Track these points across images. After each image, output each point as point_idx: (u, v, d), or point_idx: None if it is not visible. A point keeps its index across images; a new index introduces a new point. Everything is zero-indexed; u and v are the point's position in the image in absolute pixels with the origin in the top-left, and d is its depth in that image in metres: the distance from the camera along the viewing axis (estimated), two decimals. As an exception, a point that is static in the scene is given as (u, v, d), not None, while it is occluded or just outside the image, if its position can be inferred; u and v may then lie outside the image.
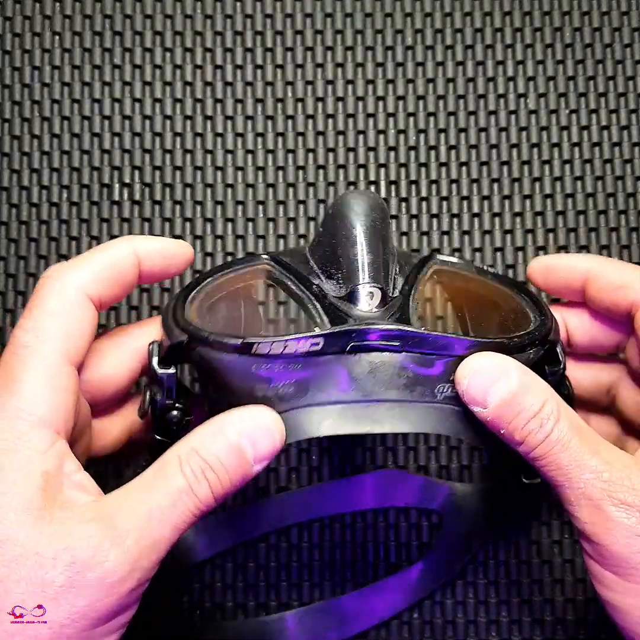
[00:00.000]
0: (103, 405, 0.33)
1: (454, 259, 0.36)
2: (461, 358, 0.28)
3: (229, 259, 0.44)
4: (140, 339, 0.33)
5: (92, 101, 0.45)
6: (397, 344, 0.27)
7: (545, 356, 0.31)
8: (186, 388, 0.32)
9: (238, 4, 0.47)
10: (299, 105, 0.46)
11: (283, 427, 0.27)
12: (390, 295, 0.30)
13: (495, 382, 0.27)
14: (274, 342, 0.27)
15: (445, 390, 0.28)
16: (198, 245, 0.44)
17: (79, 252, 0.44)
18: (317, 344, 0.27)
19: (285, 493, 0.42)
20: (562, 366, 0.32)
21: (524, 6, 0.46)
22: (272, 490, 0.43)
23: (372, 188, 0.45)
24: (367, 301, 0.29)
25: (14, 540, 0.25)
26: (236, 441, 0.27)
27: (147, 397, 0.31)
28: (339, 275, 0.30)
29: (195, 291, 0.32)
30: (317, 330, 0.27)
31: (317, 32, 0.46)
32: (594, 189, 0.45)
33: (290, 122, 0.46)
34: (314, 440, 0.43)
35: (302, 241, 0.44)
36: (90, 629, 0.25)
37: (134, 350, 0.32)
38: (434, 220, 0.45)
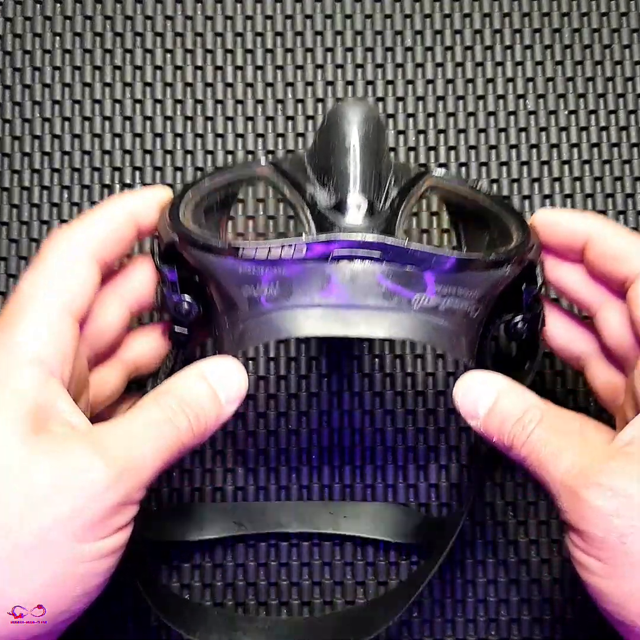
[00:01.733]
0: (99, 357, 0.34)
1: (450, 175, 0.36)
2: (436, 271, 0.29)
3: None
4: (129, 285, 0.34)
5: (93, 102, 0.46)
6: (377, 254, 0.28)
7: (523, 275, 0.32)
8: (195, 282, 0.33)
9: (238, 5, 0.47)
10: (299, 106, 0.46)
11: (246, 375, 0.30)
12: (379, 207, 0.31)
13: (481, 396, 0.30)
14: (258, 247, 0.28)
15: (421, 301, 0.29)
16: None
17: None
18: (301, 251, 0.28)
19: (281, 502, 0.43)
20: (538, 287, 0.33)
21: (523, 7, 0.46)
22: (272, 489, 0.43)
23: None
24: (354, 212, 0.30)
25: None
26: (209, 383, 0.29)
27: (158, 291, 0.33)
28: (331, 184, 0.31)
29: (192, 189, 0.33)
30: (302, 238, 0.28)
31: (317, 34, 0.46)
32: (592, 190, 0.45)
33: (290, 122, 0.46)
34: (313, 440, 0.43)
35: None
36: (76, 541, 0.25)
37: (124, 299, 0.34)
38: (434, 219, 0.45)
